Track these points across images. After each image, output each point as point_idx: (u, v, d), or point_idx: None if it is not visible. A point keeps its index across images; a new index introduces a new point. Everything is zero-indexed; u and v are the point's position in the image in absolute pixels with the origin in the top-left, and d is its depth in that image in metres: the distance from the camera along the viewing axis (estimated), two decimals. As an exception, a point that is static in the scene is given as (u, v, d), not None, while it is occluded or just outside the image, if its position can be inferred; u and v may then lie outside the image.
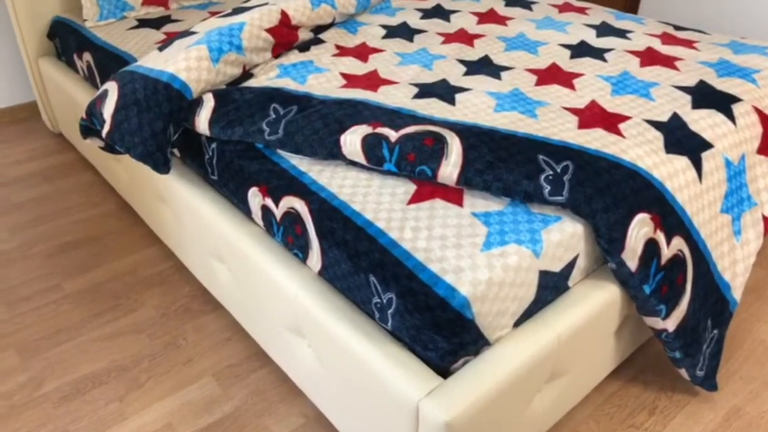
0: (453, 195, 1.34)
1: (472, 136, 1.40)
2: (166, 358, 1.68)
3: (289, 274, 1.39)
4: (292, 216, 1.39)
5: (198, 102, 1.61)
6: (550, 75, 1.82)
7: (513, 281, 1.18)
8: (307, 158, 1.48)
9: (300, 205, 1.36)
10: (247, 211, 1.56)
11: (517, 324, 1.26)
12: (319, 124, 1.47)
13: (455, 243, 1.20)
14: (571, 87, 1.74)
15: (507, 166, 1.31)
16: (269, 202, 1.44)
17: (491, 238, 1.22)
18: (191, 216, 1.71)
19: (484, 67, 1.86)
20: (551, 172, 1.30)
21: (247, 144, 1.55)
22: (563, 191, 1.27)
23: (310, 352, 1.43)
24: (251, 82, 1.73)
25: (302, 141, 1.46)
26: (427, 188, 1.36)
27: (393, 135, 1.41)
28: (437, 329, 1.12)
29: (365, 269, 1.22)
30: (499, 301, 1.17)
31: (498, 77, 1.79)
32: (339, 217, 1.30)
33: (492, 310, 1.17)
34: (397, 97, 1.62)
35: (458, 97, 1.63)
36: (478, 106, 1.59)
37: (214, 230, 1.61)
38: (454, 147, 1.36)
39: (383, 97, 1.61)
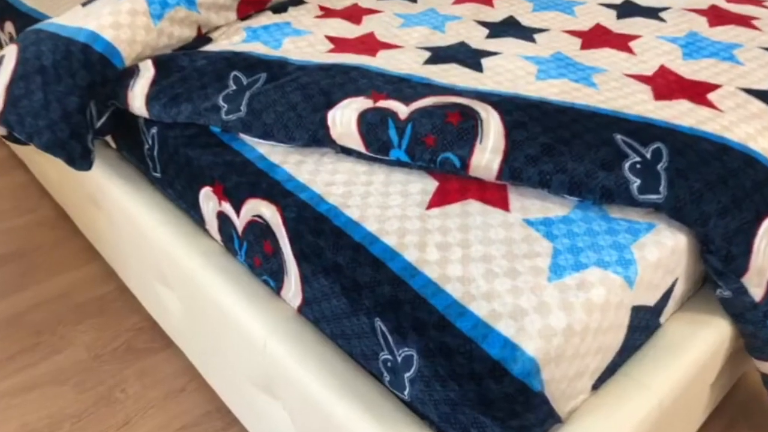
0: (492, 194, 0.92)
1: (517, 109, 0.98)
2: (96, 418, 1.25)
3: (256, 312, 0.97)
4: (258, 227, 0.96)
5: (132, 72, 1.18)
6: (597, 37, 1.40)
7: (599, 326, 0.77)
8: (280, 145, 1.05)
9: (270, 212, 0.94)
10: (199, 220, 1.13)
11: (597, 385, 0.84)
12: (297, 96, 1.05)
13: (508, 268, 0.79)
14: (629, 51, 1.33)
15: (573, 151, 0.90)
16: (227, 207, 1.02)
17: (560, 259, 0.80)
18: (129, 226, 1.27)
19: (511, 28, 1.44)
20: (638, 159, 0.89)
21: (199, 128, 1.12)
22: (659, 186, 0.86)
23: (286, 418, 1.01)
24: (208, 48, 1.30)
25: (274, 121, 1.03)
26: (454, 185, 0.94)
27: (403, 109, 0.99)
28: (485, 407, 0.70)
29: (368, 309, 0.80)
30: (579, 358, 0.76)
31: (531, 40, 1.37)
32: (327, 228, 0.88)
33: (569, 372, 0.75)
34: (403, 62, 1.20)
35: (485, 62, 1.21)
36: (513, 72, 1.17)
37: (155, 246, 1.17)
38: (492, 125, 0.94)
39: (384, 62, 1.18)
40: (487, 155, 0.92)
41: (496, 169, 0.91)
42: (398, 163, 0.99)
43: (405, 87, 1.06)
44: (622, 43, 1.37)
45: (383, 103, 1.01)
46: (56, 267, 1.67)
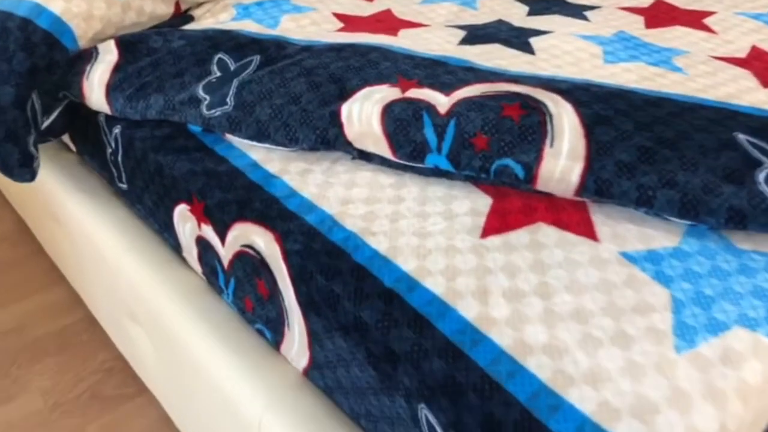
0: (570, 216, 0.67)
1: (595, 100, 0.73)
2: (49, 491, 1.00)
3: (247, 373, 0.72)
4: (249, 262, 0.71)
5: (89, 55, 0.93)
6: (663, 14, 1.16)
7: (754, 420, 0.52)
8: (279, 149, 0.80)
9: (264, 242, 0.69)
10: (175, 245, 0.87)
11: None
12: (300, 84, 0.80)
13: (614, 331, 0.54)
14: (706, 29, 1.08)
15: (682, 157, 0.65)
16: (208, 231, 0.77)
17: (686, 315, 0.55)
18: (90, 249, 1.02)
19: (554, 4, 1.19)
20: (775, 168, 0.64)
21: (173, 127, 0.87)
22: (812, 206, 0.61)
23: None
24: (188, 27, 1.04)
25: (270, 117, 0.78)
26: (515, 202, 0.70)
27: (442, 100, 0.74)
28: None
29: (408, 390, 0.55)
30: (727, 468, 0.51)
31: (582, 17, 1.12)
32: (344, 267, 0.63)
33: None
34: (432, 42, 0.95)
35: (535, 42, 0.96)
36: (574, 54, 0.92)
37: (120, 276, 0.92)
38: (566, 120, 0.70)
39: (410, 42, 0.93)
40: (563, 162, 0.67)
41: (576, 182, 0.66)
42: (437, 173, 0.74)
43: (441, 72, 0.81)
44: (694, 20, 1.12)
45: (415, 93, 0.76)
46: (13, 291, 1.41)
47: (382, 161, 0.76)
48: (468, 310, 0.57)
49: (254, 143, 0.81)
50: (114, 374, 1.21)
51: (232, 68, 0.85)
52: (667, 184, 0.64)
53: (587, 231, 0.65)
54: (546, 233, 0.65)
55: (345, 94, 0.78)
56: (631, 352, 0.52)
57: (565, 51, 0.93)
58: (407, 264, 0.62)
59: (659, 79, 0.84)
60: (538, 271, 0.60)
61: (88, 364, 1.24)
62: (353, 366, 0.61)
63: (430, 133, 0.72)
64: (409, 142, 0.72)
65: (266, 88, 0.80)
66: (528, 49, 0.94)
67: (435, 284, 0.59)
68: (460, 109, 0.72)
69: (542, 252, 0.63)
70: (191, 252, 0.83)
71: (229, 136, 0.83)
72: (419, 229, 0.66)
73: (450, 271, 0.61)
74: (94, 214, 0.99)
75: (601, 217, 0.67)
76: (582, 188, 0.66)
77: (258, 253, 0.69)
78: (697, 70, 0.89)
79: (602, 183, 0.65)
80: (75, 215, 1.03)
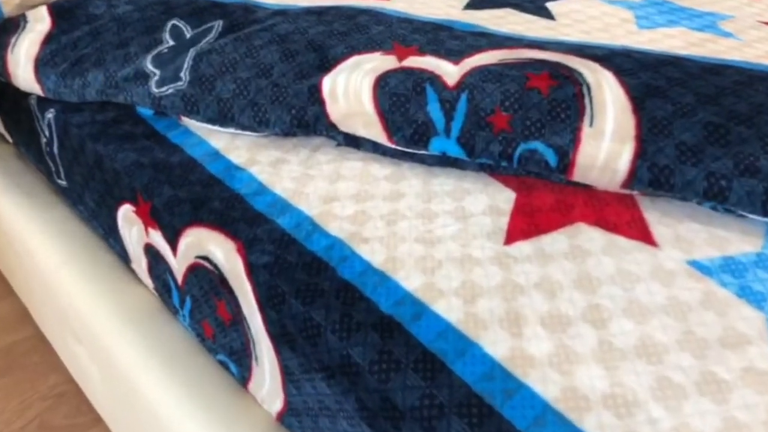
0: (617, 213, 0.52)
1: (642, 68, 0.58)
2: None
3: (207, 418, 0.56)
4: (206, 277, 0.56)
5: (16, 25, 0.76)
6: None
7: None
8: (246, 134, 0.65)
9: (224, 253, 0.53)
10: (122, 254, 0.72)
11: None
12: (272, 53, 0.64)
13: (699, 374, 0.39)
14: (744, -7, 0.93)
15: (764, 137, 0.50)
16: (157, 238, 0.61)
17: (794, 350, 0.41)
18: (27, 257, 0.86)
19: (567, -30, 1.04)
20: None
21: (120, 110, 0.71)
22: None
23: None
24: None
25: (233, 95, 0.63)
26: (545, 197, 0.55)
27: (450, 70, 0.59)
28: None
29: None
30: None
31: (601, -16, 0.97)
32: (328, 286, 0.47)
33: None
34: (432, 6, 0.79)
35: (553, 7, 0.81)
36: (601, 20, 0.77)
37: (59, 290, 0.77)
38: (608, 92, 0.55)
39: (406, 4, 0.78)
40: (607, 145, 0.52)
41: (625, 171, 0.52)
42: (445, 161, 0.59)
43: (446, 37, 0.66)
44: (728, -16, 0.98)
45: (415, 61, 0.61)
46: (-44, 304, 1.24)
47: (375, 148, 0.61)
48: (496, 345, 0.42)
49: (215, 128, 0.66)
50: (65, 400, 1.05)
51: (188, 36, 0.69)
52: (746, 170, 0.49)
53: (641, 233, 0.50)
54: (589, 237, 0.50)
55: (327, 65, 0.63)
56: (729, 405, 0.37)
57: (591, 16, 0.78)
58: (411, 281, 0.47)
59: (709, 44, 0.69)
60: (586, 288, 0.45)
61: (37, 387, 1.08)
62: (340, 418, 0.46)
63: (435, 111, 0.57)
64: (408, 122, 0.57)
65: (229, 59, 0.64)
66: (545, 14, 0.78)
67: (449, 309, 0.44)
68: (473, 79, 0.57)
69: (587, 261, 0.48)
70: (140, 263, 0.67)
71: (186, 120, 0.68)
72: (424, 233, 0.51)
73: (468, 290, 0.46)
74: (31, 217, 0.83)
75: (655, 215, 0.52)
76: (632, 178, 0.52)
77: (216, 267, 0.54)
78: (751, 36, 0.74)
79: (660, 171, 0.51)
80: (11, 218, 0.87)
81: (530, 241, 0.50)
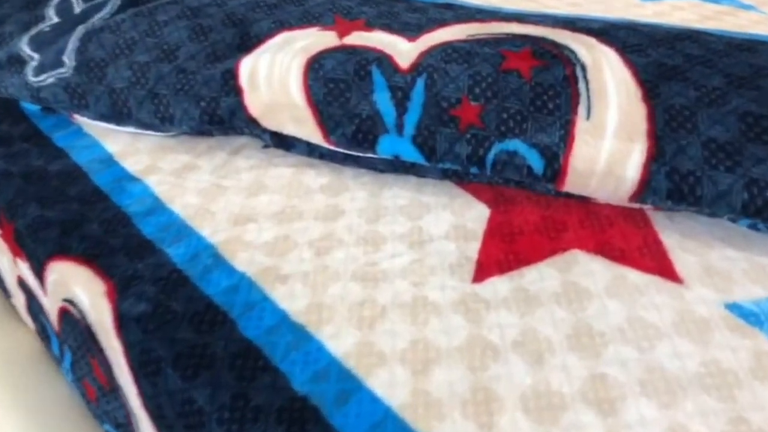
0: (626, 236, 0.39)
1: (654, 44, 0.45)
2: None
3: None
4: (76, 326, 0.41)
5: None
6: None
7: None
8: (148, 134, 0.51)
9: (90, 295, 0.39)
10: (2, 287, 0.57)
11: None
12: (178, 31, 0.50)
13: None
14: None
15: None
16: (25, 269, 0.47)
17: None
18: None
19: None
20: None
21: None
22: None
23: None
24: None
25: (128, 84, 0.49)
26: (531, 214, 0.41)
27: (404, 48, 0.45)
28: None
29: None
30: None
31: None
32: (218, 348, 0.33)
33: None
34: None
35: (537, -23, 0.67)
36: (595, -9, 0.64)
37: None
38: (608, 74, 0.41)
39: (358, -25, 0.64)
40: (609, 144, 0.39)
41: (635, 178, 0.38)
42: (399, 167, 0.45)
43: (403, 9, 0.52)
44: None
45: (360, 37, 0.47)
46: None
47: (311, 150, 0.47)
48: (456, 445, 0.28)
49: (113, 126, 0.52)
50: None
51: (76, 10, 0.55)
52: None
53: (659, 264, 0.37)
54: (588, 269, 0.37)
55: (248, 44, 0.49)
56: None
57: (582, -13, 0.65)
58: (340, 341, 0.33)
59: (729, 18, 0.56)
60: (586, 350, 0.32)
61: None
62: None
63: (383, 101, 0.43)
64: (349, 116, 0.43)
65: (125, 39, 0.50)
66: (528, -15, 0.65)
67: (391, 387, 0.31)
68: (432, 60, 0.43)
69: (587, 307, 0.34)
70: (19, 299, 0.53)
71: (80, 118, 0.53)
72: (366, 266, 0.38)
73: (420, 354, 0.32)
74: None
75: (676, 238, 0.39)
76: (645, 188, 0.38)
77: (81, 314, 0.40)
78: (774, 8, 0.61)
79: (682, 179, 0.37)
80: None
81: (508, 277, 0.37)
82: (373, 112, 0.43)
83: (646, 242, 0.38)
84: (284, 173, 0.46)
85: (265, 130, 0.48)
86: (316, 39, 0.47)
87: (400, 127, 0.43)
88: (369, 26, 0.49)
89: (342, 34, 0.48)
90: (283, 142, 0.48)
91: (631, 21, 0.50)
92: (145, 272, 0.38)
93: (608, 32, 0.46)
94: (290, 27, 0.50)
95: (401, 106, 0.43)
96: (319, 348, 0.33)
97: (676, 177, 0.38)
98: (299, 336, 0.34)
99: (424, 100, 0.42)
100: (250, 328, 0.34)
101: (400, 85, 0.43)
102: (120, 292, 0.37)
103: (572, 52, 0.43)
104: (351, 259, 0.38)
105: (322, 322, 0.34)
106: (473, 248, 0.39)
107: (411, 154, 0.43)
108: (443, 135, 0.42)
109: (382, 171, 0.46)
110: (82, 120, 0.54)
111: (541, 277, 0.36)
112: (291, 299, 0.36)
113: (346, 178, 0.46)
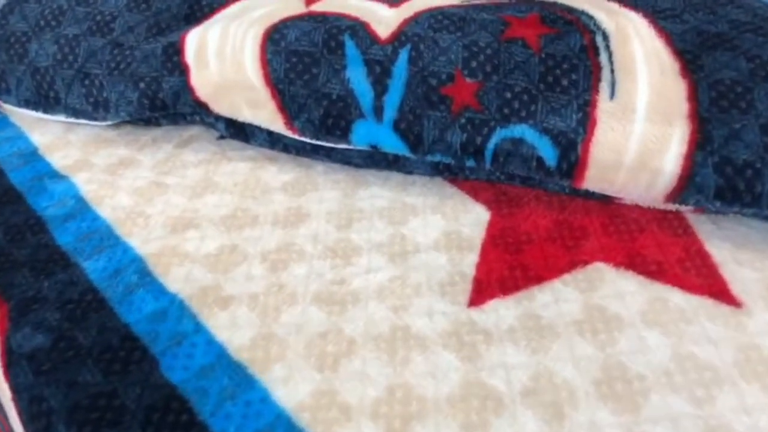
0: (660, 244, 0.31)
1: (690, 8, 0.36)
2: None
3: None
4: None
5: None
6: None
7: None
8: (81, 123, 0.42)
9: (-17, 324, 0.31)
10: None
11: None
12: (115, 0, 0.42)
13: None
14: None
15: None
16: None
17: None
18: None
19: None
20: None
21: None
22: None
23: None
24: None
25: (54, 62, 0.40)
26: (542, 218, 0.33)
27: (384, 15, 0.37)
28: None
29: None
30: None
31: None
32: (130, 398, 0.25)
33: None
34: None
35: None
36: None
37: None
38: (637, 44, 0.33)
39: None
40: (640, 128, 0.31)
41: (674, 172, 0.30)
42: (379, 160, 0.37)
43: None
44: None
45: (331, 3, 0.39)
46: None
47: (272, 141, 0.39)
48: None
49: (41, 115, 0.43)
50: None
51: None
52: None
53: (709, 282, 0.29)
54: (616, 289, 0.29)
55: (198, 13, 0.41)
56: None
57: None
58: (294, 387, 0.25)
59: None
60: (626, 406, 0.24)
61: None
62: None
63: (358, 78, 0.35)
64: (316, 98, 0.35)
65: (51, 9, 0.42)
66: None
67: (356, 452, 0.23)
68: (418, 28, 0.35)
69: (617, 340, 0.26)
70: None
71: (7, 106, 0.45)
72: (333, 286, 0.29)
73: (398, 407, 0.24)
74: None
75: (726, 248, 0.31)
76: (686, 185, 0.30)
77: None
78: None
79: (736, 171, 0.29)
80: None
81: (514, 299, 0.28)
82: (345, 92, 0.35)
83: (689, 254, 0.30)
84: (239, 169, 0.38)
85: (218, 117, 0.40)
86: (278, 6, 0.39)
87: (378, 111, 0.34)
88: (342, -9, 0.40)
89: (311, 1, 0.40)
90: (240, 132, 0.40)
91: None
92: (51, 293, 0.30)
93: (632, -4, 0.38)
94: (249, -7, 0.41)
95: (380, 85, 0.34)
96: (263, 398, 0.25)
97: (729, 170, 0.29)
98: (239, 380, 0.25)
99: (407, 77, 0.34)
100: (175, 369, 0.26)
101: (378, 58, 0.35)
102: (13, 319, 0.29)
103: (590, 17, 0.35)
104: (314, 276, 0.30)
105: (270, 361, 0.26)
106: (470, 261, 0.31)
107: (392, 143, 0.35)
108: (432, 120, 0.34)
109: (358, 166, 0.38)
110: (10, 108, 0.45)
111: (556, 298, 0.28)
112: (232, 329, 0.28)
113: (314, 174, 0.38)
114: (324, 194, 0.36)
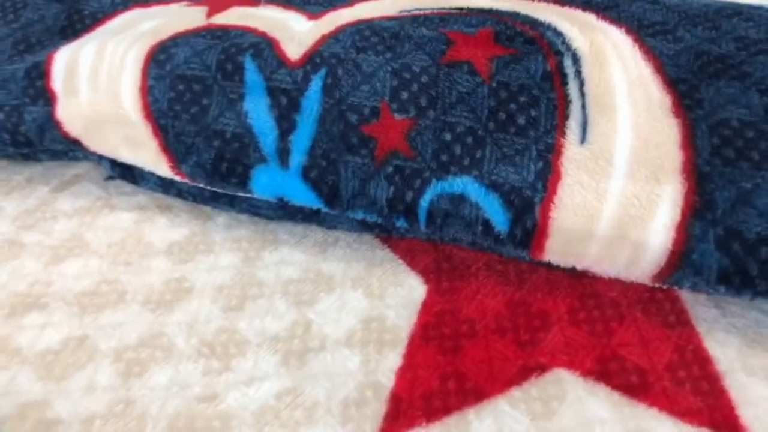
0: (643, 340, 0.23)
1: (686, 21, 0.28)
2: None
3: None
4: None
5: None
6: None
7: None
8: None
9: None
10: None
11: None
12: (-19, 8, 0.34)
13: None
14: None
15: None
16: None
17: None
18: None
19: None
20: None
21: None
22: None
23: None
24: None
25: None
26: (494, 298, 0.25)
27: (299, 30, 0.29)
28: None
29: None
30: None
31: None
32: None
33: None
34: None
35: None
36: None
37: None
38: (617, 68, 0.25)
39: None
40: (619, 186, 0.23)
41: (664, 246, 0.22)
42: (293, 213, 0.29)
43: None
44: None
45: (236, 14, 0.31)
46: None
47: (165, 185, 0.31)
48: None
49: None
50: None
51: None
52: None
53: (707, 403, 0.21)
54: (582, 412, 0.21)
55: (77, 26, 0.33)
56: None
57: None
58: None
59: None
60: None
61: None
62: None
63: (258, 112, 0.27)
64: (206, 136, 0.27)
65: None
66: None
67: None
68: (336, 47, 0.28)
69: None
70: None
71: None
72: (200, 402, 0.22)
73: None
74: None
75: (733, 345, 0.23)
76: (680, 263, 0.22)
77: None
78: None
79: (747, 248, 0.21)
80: None
81: (441, 428, 0.21)
82: (242, 129, 0.27)
83: (683, 356, 0.23)
84: (121, 221, 0.30)
85: (103, 156, 0.32)
86: (173, 17, 0.31)
87: (283, 154, 0.27)
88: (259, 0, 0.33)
89: (214, 10, 0.32)
90: (128, 173, 0.32)
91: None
92: None
93: (618, 4, 0.30)
94: (146, 1, 0.34)
95: (286, 121, 0.27)
96: None
97: (736, 246, 0.22)
98: None
99: (320, 111, 0.26)
100: None
101: (285, 86, 0.27)
102: None
103: (557, 33, 0.27)
104: (177, 388, 0.22)
105: None
106: (390, 364, 0.23)
107: (302, 195, 0.27)
108: (351, 167, 0.26)
109: (269, 218, 0.30)
110: None
111: (499, 428, 0.21)
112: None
113: (212, 229, 0.30)
114: (219, 259, 0.28)
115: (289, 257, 0.28)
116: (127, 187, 0.33)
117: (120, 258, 0.28)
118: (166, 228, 0.30)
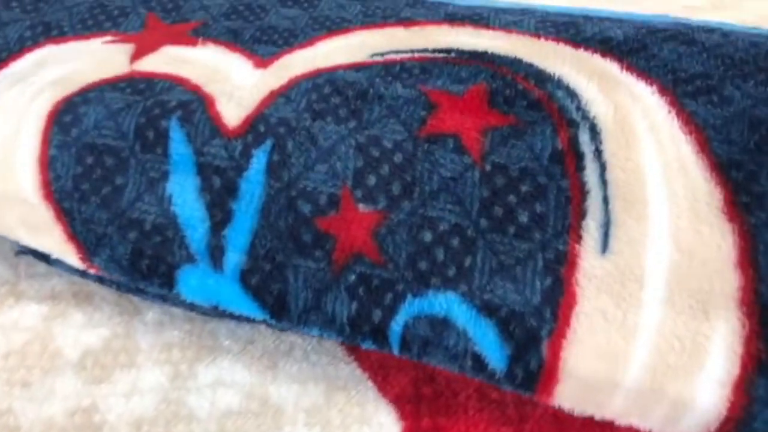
0: None
1: (740, 71, 0.22)
2: None
3: None
4: None
5: None
6: None
7: None
8: None
9: None
10: None
11: None
12: None
13: None
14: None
15: None
16: None
17: None
18: None
19: None
20: None
21: None
22: None
23: None
24: None
25: None
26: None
27: (243, 78, 0.23)
28: None
29: None
30: None
31: None
32: None
33: None
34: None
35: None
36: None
37: None
38: (646, 143, 0.19)
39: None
40: (652, 319, 0.17)
41: (715, 408, 0.16)
42: (224, 312, 0.23)
43: (277, 3, 0.29)
44: None
45: (166, 58, 0.24)
46: None
47: (82, 270, 0.25)
48: None
49: None
50: None
51: None
52: None
53: None
54: None
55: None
56: None
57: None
58: None
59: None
60: None
61: None
62: None
63: (185, 196, 0.21)
64: (120, 226, 0.21)
65: None
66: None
67: None
68: (286, 110, 0.21)
69: None
70: None
71: None
72: None
73: None
74: None
75: None
76: (735, 429, 0.16)
77: None
78: None
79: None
80: None
81: None
82: (164, 218, 0.21)
83: None
84: (26, 317, 0.25)
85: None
86: (90, 60, 0.25)
87: (216, 252, 0.21)
88: (199, 35, 0.26)
89: (141, 51, 0.26)
90: (41, 254, 0.26)
91: (689, 23, 0.28)
92: None
93: (646, 46, 0.24)
94: (61, 35, 0.27)
95: (220, 209, 0.21)
96: None
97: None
98: None
99: (263, 198, 0.20)
100: None
101: (219, 162, 0.21)
102: None
103: (571, 94, 0.21)
104: None
105: None
106: None
107: (240, 303, 0.21)
108: (302, 273, 0.20)
109: (206, 315, 0.24)
110: None
111: None
112: None
113: (138, 330, 0.24)
114: (141, 376, 0.22)
115: (229, 375, 0.22)
116: (41, 266, 0.27)
117: (17, 376, 0.22)
118: (82, 327, 0.24)
